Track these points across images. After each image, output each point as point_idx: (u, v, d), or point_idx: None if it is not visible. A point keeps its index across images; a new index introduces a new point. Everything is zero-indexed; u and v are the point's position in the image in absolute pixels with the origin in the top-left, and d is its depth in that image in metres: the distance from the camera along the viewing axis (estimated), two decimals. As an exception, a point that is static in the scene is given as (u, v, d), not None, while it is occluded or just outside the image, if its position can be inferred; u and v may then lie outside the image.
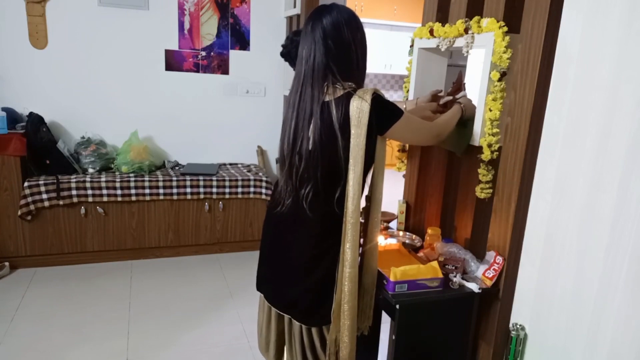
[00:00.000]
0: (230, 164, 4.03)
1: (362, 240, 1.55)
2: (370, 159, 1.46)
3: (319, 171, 1.43)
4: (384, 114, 1.42)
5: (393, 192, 2.75)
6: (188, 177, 3.51)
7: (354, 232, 1.43)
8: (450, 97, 1.87)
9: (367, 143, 1.39)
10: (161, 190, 3.45)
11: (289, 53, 2.11)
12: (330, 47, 1.39)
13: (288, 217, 1.55)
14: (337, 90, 1.42)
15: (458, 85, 1.94)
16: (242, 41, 3.89)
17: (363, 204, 1.52)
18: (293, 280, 1.56)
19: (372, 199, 1.54)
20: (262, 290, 1.71)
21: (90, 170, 3.43)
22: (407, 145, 2.23)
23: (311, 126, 1.41)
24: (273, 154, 4.17)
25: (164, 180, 3.45)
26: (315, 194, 1.47)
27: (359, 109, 1.37)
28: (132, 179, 3.38)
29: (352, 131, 1.38)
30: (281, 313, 1.63)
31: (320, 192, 1.46)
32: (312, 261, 1.52)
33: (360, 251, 1.54)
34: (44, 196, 3.21)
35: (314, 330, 1.57)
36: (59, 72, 3.50)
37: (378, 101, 1.39)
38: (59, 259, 3.37)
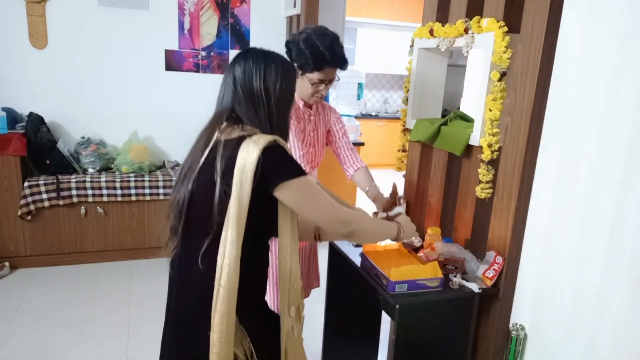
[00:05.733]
0: (230, 164, 4.03)
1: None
2: (270, 226, 1.25)
3: (187, 221, 1.26)
4: (274, 167, 1.18)
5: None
6: (188, 177, 3.50)
7: (226, 304, 1.17)
8: (385, 214, 1.70)
9: (258, 203, 1.18)
10: (161, 190, 3.45)
11: (289, 51, 2.15)
12: (238, 94, 1.27)
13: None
14: (235, 130, 1.24)
15: (393, 199, 1.80)
16: (242, 41, 3.89)
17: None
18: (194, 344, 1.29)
19: (281, 280, 1.27)
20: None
21: (90, 170, 3.43)
22: (407, 145, 2.23)
23: (198, 167, 1.24)
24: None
25: (164, 180, 3.45)
26: (183, 246, 1.29)
27: (245, 158, 1.15)
28: (132, 179, 3.38)
29: (234, 181, 1.15)
30: None
31: (187, 246, 1.28)
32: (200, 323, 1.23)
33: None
34: (44, 196, 3.20)
35: None
36: (58, 72, 3.50)
37: (272, 152, 1.17)
38: (59, 259, 3.37)
